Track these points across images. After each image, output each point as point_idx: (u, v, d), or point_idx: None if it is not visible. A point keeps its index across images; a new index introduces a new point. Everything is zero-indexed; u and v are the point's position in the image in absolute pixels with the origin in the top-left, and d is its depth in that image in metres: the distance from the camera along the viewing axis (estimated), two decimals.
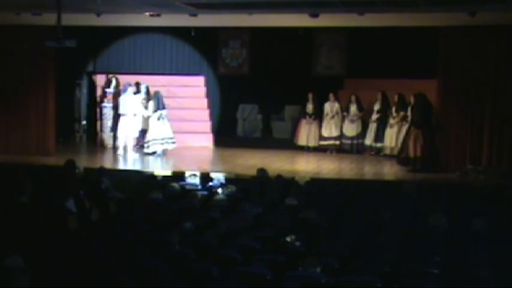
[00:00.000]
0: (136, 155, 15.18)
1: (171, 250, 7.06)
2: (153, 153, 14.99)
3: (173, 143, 15.15)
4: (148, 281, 6.02)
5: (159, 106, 14.91)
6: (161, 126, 14.96)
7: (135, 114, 15.31)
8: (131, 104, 15.33)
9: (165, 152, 15.03)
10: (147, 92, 15.65)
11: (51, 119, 14.96)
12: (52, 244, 6.98)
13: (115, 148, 15.66)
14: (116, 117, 15.72)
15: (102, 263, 6.45)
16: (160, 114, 14.93)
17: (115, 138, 15.83)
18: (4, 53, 14.84)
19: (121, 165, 14.18)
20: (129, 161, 14.72)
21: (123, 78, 16.79)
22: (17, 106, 14.83)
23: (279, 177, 11.08)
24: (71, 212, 8.58)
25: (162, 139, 14.99)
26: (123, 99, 15.45)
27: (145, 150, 15.07)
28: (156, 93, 15.06)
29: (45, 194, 9.39)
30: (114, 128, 15.81)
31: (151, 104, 15.12)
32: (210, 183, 10.97)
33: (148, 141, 15.01)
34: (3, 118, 14.95)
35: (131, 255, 6.77)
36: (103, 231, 7.84)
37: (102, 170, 11.54)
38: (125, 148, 15.26)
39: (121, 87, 16.31)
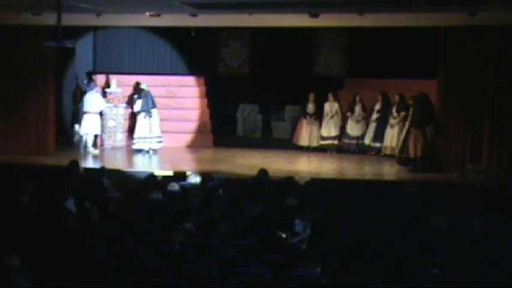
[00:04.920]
0: (97, 151, 15.36)
1: (171, 250, 7.07)
2: (140, 150, 15.18)
3: (159, 142, 15.30)
4: (148, 281, 6.02)
5: (148, 105, 15.03)
6: (146, 124, 15.09)
7: (99, 113, 15.57)
8: (95, 102, 15.52)
9: (154, 151, 15.13)
10: (139, 91, 15.87)
11: (51, 119, 14.96)
12: (52, 244, 6.98)
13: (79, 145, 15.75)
14: (81, 115, 15.86)
15: (102, 263, 6.45)
16: (148, 113, 15.06)
17: (74, 135, 16.06)
18: (4, 53, 14.83)
19: (114, 165, 14.16)
20: (92, 158, 14.83)
21: (123, 78, 16.82)
22: (17, 106, 14.81)
23: (289, 178, 11.00)
24: (71, 212, 8.58)
25: (145, 137, 15.12)
26: (87, 98, 15.60)
27: (132, 147, 15.34)
28: (146, 93, 15.22)
29: (45, 194, 9.39)
30: (78, 125, 15.99)
31: (139, 102, 15.37)
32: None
33: (134, 139, 15.31)
34: (3, 118, 14.93)
35: (131, 255, 6.77)
36: (103, 231, 7.84)
37: (103, 170, 11.54)
38: (85, 145, 15.45)
39: (120, 88, 16.36)
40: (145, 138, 15.17)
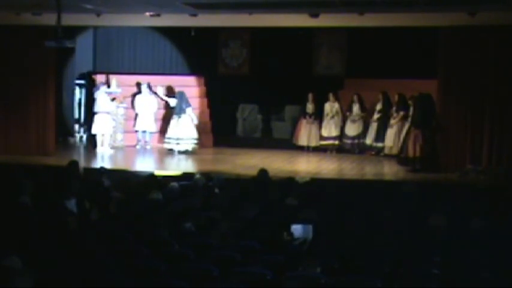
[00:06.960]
0: (112, 151, 15.38)
1: (171, 250, 7.07)
2: (171, 150, 15.17)
3: (195, 144, 15.26)
4: (148, 281, 6.02)
5: (182, 106, 15.02)
6: (175, 125, 15.09)
7: (108, 112, 15.57)
8: (104, 102, 15.53)
9: (186, 152, 15.12)
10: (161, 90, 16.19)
11: (51, 119, 14.96)
12: (52, 244, 6.98)
13: (94, 146, 15.70)
14: (91, 115, 15.89)
15: (102, 263, 6.45)
16: (178, 114, 15.06)
17: (89, 136, 16.11)
18: (4, 53, 14.83)
19: (114, 165, 14.16)
20: (108, 158, 14.83)
21: (123, 78, 16.82)
22: (17, 106, 14.82)
23: (290, 179, 10.99)
24: (71, 212, 8.58)
25: (177, 139, 15.07)
26: (96, 98, 15.65)
27: (164, 146, 15.41)
28: (179, 93, 15.24)
29: (45, 194, 9.38)
30: (89, 126, 16.00)
31: (173, 102, 15.52)
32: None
33: (166, 138, 15.36)
34: (3, 118, 14.93)
35: (131, 255, 6.77)
36: (103, 231, 7.84)
37: (103, 170, 11.54)
38: (102, 145, 15.45)
39: (120, 88, 16.36)
40: (170, 138, 15.19)
